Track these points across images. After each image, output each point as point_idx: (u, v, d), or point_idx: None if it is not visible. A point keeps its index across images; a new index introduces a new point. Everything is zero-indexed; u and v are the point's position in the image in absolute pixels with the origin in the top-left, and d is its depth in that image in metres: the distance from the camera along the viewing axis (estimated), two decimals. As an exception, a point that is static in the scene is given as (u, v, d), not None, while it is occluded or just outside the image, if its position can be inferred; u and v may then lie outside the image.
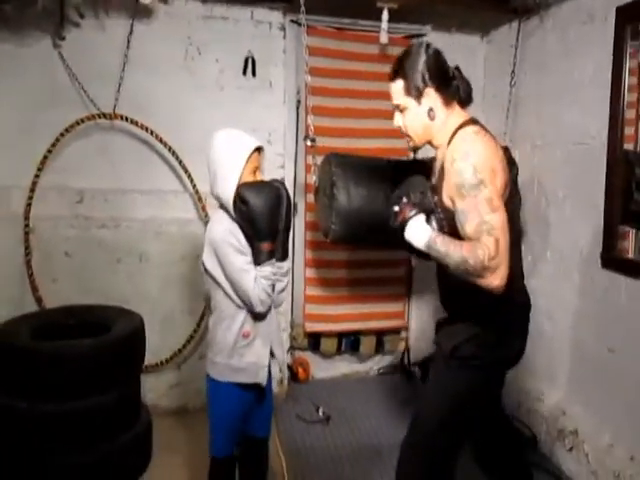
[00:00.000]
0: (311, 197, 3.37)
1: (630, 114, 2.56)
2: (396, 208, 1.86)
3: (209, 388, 2.13)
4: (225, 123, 3.24)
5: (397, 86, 1.87)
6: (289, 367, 3.82)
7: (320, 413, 3.42)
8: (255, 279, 1.96)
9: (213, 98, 3.41)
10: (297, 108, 3.62)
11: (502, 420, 2.28)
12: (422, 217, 1.81)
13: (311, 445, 3.13)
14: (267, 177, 3.50)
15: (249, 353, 2.06)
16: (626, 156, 2.50)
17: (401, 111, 1.90)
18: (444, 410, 1.91)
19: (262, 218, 1.94)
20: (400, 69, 1.86)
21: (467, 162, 1.70)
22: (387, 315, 3.92)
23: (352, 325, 3.84)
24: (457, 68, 1.90)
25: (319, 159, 3.11)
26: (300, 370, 3.84)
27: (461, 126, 1.82)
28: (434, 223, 1.83)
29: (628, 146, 2.56)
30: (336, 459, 2.99)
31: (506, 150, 2.94)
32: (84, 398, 2.38)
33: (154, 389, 3.33)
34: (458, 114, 1.88)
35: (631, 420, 2.52)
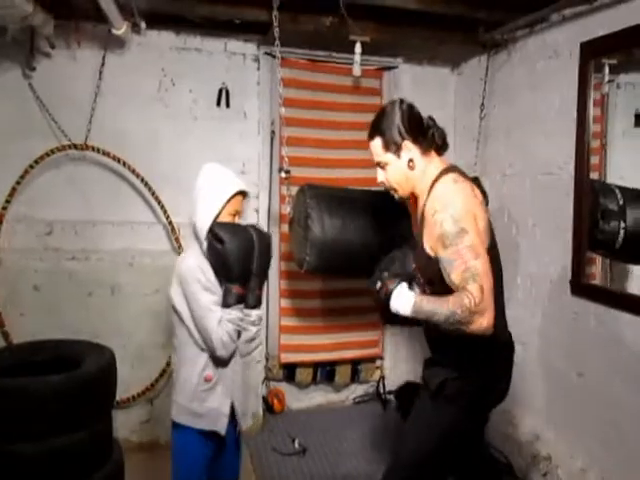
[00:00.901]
0: (286, 227, 3.37)
1: (595, 144, 2.64)
2: (378, 285, 1.89)
3: (172, 431, 2.05)
4: (199, 153, 3.34)
5: (376, 144, 1.95)
6: (264, 399, 3.76)
7: (296, 445, 3.36)
8: (220, 321, 1.90)
9: (187, 128, 3.41)
10: (271, 139, 3.63)
11: (481, 450, 2.28)
12: (404, 285, 1.85)
13: (287, 478, 3.07)
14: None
15: (210, 398, 1.99)
16: (592, 186, 2.56)
17: (382, 167, 1.97)
18: (428, 447, 1.91)
19: (235, 260, 1.89)
20: (377, 128, 1.95)
21: (447, 213, 1.76)
22: (362, 344, 3.91)
23: (327, 355, 3.82)
24: (431, 118, 1.99)
25: (293, 190, 3.13)
26: (275, 401, 3.78)
27: (440, 175, 1.89)
28: (416, 288, 1.89)
29: (594, 175, 2.63)
30: (313, 492, 2.93)
31: (476, 180, 3.00)
32: (53, 437, 2.29)
33: (125, 424, 3.25)
34: (436, 162, 1.95)
35: (602, 444, 2.55)
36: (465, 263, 1.70)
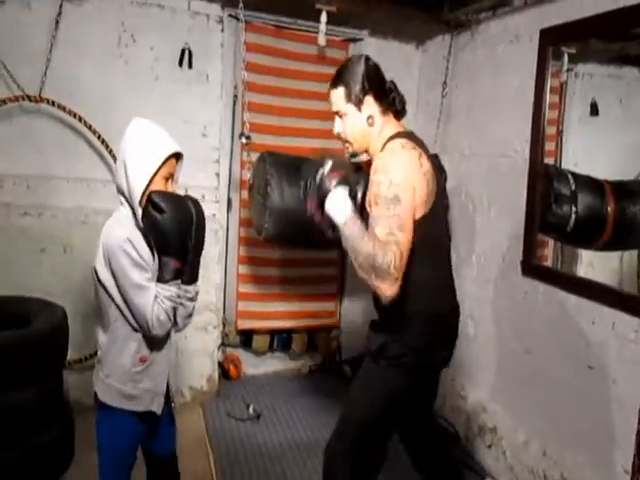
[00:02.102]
0: (246, 193, 3.36)
1: (551, 130, 2.72)
2: (320, 172, 1.85)
3: (98, 414, 1.88)
4: (158, 113, 3.23)
5: (338, 93, 1.96)
6: (220, 364, 3.77)
7: (251, 411, 3.40)
8: (155, 298, 1.73)
9: (146, 87, 3.32)
10: (234, 103, 3.58)
11: (431, 419, 2.36)
12: (346, 189, 1.87)
13: (241, 443, 3.11)
14: (202, 173, 3.50)
15: (145, 379, 1.83)
16: (546, 170, 2.65)
17: (340, 117, 1.99)
18: (371, 409, 1.96)
19: (175, 232, 1.72)
20: (341, 77, 1.97)
21: (386, 176, 1.79)
22: (319, 314, 3.96)
23: (284, 323, 3.85)
24: (392, 82, 2.03)
25: (254, 156, 3.11)
26: (231, 367, 3.81)
27: (392, 137, 1.93)
28: (353, 204, 1.87)
29: (549, 160, 2.72)
30: (266, 457, 2.99)
31: (435, 157, 3.06)
32: (1, 394, 2.26)
33: (77, 386, 3.15)
34: (393, 125, 1.99)
35: (544, 417, 2.68)
36: (390, 228, 1.74)
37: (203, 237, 1.84)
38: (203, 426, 3.24)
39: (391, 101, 1.98)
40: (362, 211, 1.92)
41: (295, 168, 3.00)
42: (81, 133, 3.20)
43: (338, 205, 1.83)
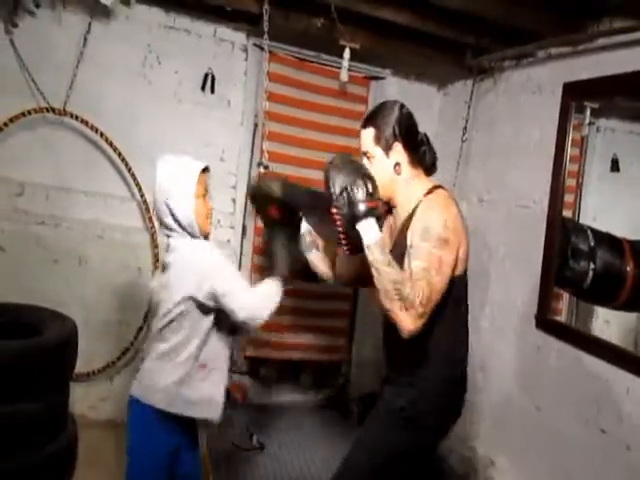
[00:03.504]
0: (260, 221, 3.35)
1: (570, 183, 2.74)
2: (360, 192, 1.70)
3: (141, 419, 1.93)
4: (179, 135, 3.28)
5: (368, 134, 1.92)
6: (227, 390, 3.71)
7: (254, 441, 3.34)
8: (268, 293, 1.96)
9: (168, 109, 3.35)
10: (254, 131, 3.60)
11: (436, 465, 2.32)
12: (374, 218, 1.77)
13: (243, 473, 3.06)
14: (219, 197, 3.52)
15: (204, 386, 1.94)
16: (565, 223, 2.66)
17: (368, 159, 1.93)
18: (375, 461, 1.91)
19: None
20: (373, 119, 1.92)
21: (441, 215, 1.75)
22: (328, 348, 3.93)
23: (293, 354, 3.82)
24: (426, 135, 1.97)
25: (271, 185, 3.11)
26: (237, 394, 3.73)
27: (434, 188, 1.89)
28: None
29: (567, 213, 2.72)
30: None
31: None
32: (6, 403, 2.23)
33: (83, 399, 3.17)
34: (424, 179, 1.94)
35: (554, 477, 2.62)
36: (429, 265, 1.68)
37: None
38: (206, 452, 3.17)
39: (422, 154, 1.92)
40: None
41: (312, 200, 2.99)
42: (102, 149, 3.22)
43: (368, 228, 1.71)
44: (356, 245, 1.74)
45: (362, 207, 1.69)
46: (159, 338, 1.96)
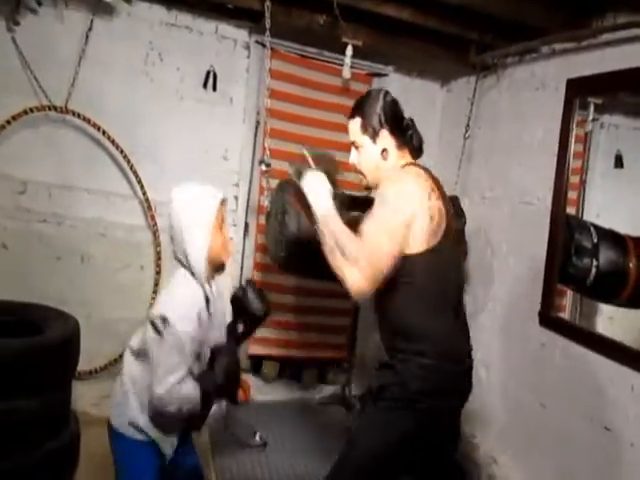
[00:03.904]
0: (263, 219, 3.35)
1: (574, 180, 2.73)
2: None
3: (120, 445, 1.91)
4: (181, 133, 3.28)
5: (355, 124, 1.96)
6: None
7: (257, 438, 3.32)
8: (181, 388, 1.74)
9: (171, 106, 3.35)
10: (256, 129, 3.59)
11: (451, 466, 2.27)
12: (324, 177, 1.91)
13: (245, 471, 3.05)
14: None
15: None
16: (568, 220, 2.65)
17: (357, 148, 1.98)
18: (369, 451, 1.90)
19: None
20: (359, 108, 1.97)
21: (393, 186, 1.83)
22: (331, 346, 3.93)
23: (295, 352, 3.82)
24: (411, 120, 2.00)
25: (273, 183, 3.11)
26: (240, 391, 3.73)
27: (405, 165, 1.94)
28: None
29: (571, 209, 2.72)
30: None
31: (455, 200, 3.04)
32: (8, 401, 2.21)
33: (85, 397, 3.15)
34: (408, 159, 1.97)
35: (556, 475, 2.62)
36: (374, 227, 1.76)
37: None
38: (209, 449, 3.18)
39: (408, 138, 1.96)
40: None
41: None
42: (104, 146, 3.22)
43: (318, 191, 1.88)
44: None
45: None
46: (133, 357, 1.94)
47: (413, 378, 1.85)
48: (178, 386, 1.72)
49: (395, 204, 1.77)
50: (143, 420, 1.83)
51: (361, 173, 2.01)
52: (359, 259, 1.73)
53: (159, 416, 1.80)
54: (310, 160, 1.98)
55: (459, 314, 2.01)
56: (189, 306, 1.76)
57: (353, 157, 2.00)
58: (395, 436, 1.88)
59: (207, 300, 1.83)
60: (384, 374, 1.92)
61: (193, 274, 1.81)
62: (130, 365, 1.91)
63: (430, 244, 1.82)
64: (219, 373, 1.83)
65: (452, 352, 1.96)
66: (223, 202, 1.88)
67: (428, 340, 1.86)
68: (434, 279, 1.88)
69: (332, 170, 2.01)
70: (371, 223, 1.78)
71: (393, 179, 1.86)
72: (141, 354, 1.88)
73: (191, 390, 1.75)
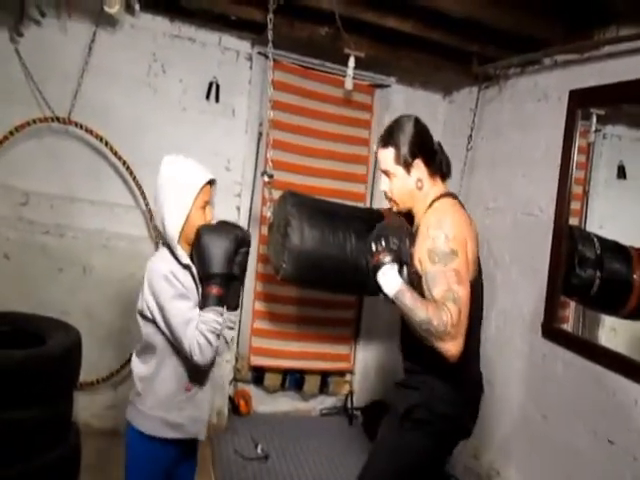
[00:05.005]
0: (265, 229, 3.34)
1: (577, 190, 2.73)
2: (374, 247, 1.90)
3: (135, 443, 1.91)
4: (184, 144, 3.28)
5: (388, 153, 1.95)
6: (230, 399, 3.72)
7: (259, 450, 3.32)
8: (196, 325, 1.77)
9: (173, 117, 3.35)
10: (258, 140, 3.60)
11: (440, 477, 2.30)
12: (395, 267, 1.86)
13: None
14: (223, 205, 3.52)
15: (190, 407, 1.89)
16: (571, 232, 2.64)
17: (388, 176, 1.98)
18: (392, 469, 1.91)
19: (215, 259, 1.79)
20: (392, 138, 1.95)
21: (441, 230, 1.79)
22: (333, 356, 3.91)
23: (297, 363, 3.81)
24: (439, 144, 2.02)
25: (275, 194, 3.10)
26: (242, 403, 3.75)
27: (441, 196, 1.93)
28: (405, 275, 1.88)
29: (574, 220, 2.71)
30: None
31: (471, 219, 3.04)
32: (10, 411, 2.22)
33: (87, 408, 3.18)
34: (440, 186, 1.99)
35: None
36: (448, 284, 1.72)
37: (244, 266, 1.93)
38: (210, 461, 3.17)
39: (438, 164, 1.97)
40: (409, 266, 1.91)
41: (316, 210, 2.98)
42: (107, 158, 3.23)
43: (387, 280, 1.84)
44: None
45: (373, 260, 1.88)
46: (138, 360, 1.94)
47: (440, 401, 1.88)
48: (201, 326, 1.76)
49: (452, 250, 1.76)
50: (167, 413, 1.86)
51: (392, 200, 2.01)
52: (447, 330, 1.69)
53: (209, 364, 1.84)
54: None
55: (480, 335, 2.04)
56: (165, 270, 1.80)
57: (385, 185, 2.00)
58: (418, 457, 1.93)
59: (189, 268, 1.85)
60: (410, 395, 1.93)
61: (171, 251, 1.84)
62: (136, 367, 1.94)
63: (474, 269, 1.87)
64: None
65: (476, 377, 2.03)
66: (212, 183, 1.91)
67: (463, 362, 1.85)
68: (477, 305, 1.91)
69: (403, 237, 1.98)
70: (443, 283, 1.73)
71: (436, 221, 1.83)
72: (143, 351, 1.91)
73: (212, 317, 1.78)
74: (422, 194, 1.95)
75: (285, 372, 3.84)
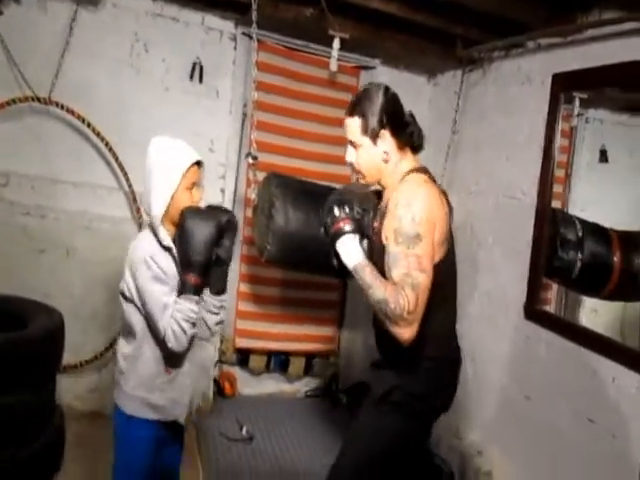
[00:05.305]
0: (250, 211, 3.34)
1: (560, 173, 2.74)
2: (336, 212, 1.85)
3: (120, 424, 1.93)
4: (167, 124, 3.25)
5: (354, 123, 1.87)
6: (215, 381, 3.73)
7: (244, 432, 3.33)
8: (171, 313, 1.77)
9: (156, 97, 3.32)
10: (243, 121, 3.56)
11: (424, 456, 2.33)
12: (357, 237, 1.83)
13: (232, 464, 3.05)
14: (207, 187, 3.49)
15: (171, 389, 1.91)
16: (553, 214, 2.66)
17: (354, 147, 1.90)
18: (369, 453, 1.92)
19: (195, 246, 1.77)
20: (358, 107, 1.87)
21: (409, 211, 1.73)
22: (318, 338, 3.92)
23: (282, 345, 3.81)
24: (411, 114, 1.94)
25: (260, 175, 3.10)
26: (227, 385, 3.75)
27: (410, 171, 1.87)
28: (365, 248, 1.85)
29: (556, 203, 2.73)
30: (255, 480, 2.93)
31: (444, 195, 3.05)
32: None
33: (71, 391, 3.17)
34: (410, 160, 1.92)
35: (541, 467, 2.64)
36: (408, 268, 1.69)
37: (231, 250, 1.90)
38: (195, 443, 3.19)
39: (409, 135, 1.89)
40: (372, 241, 1.89)
41: (301, 191, 2.98)
42: (89, 138, 3.19)
43: (347, 251, 1.81)
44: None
45: (334, 227, 1.84)
46: (122, 339, 1.95)
47: (417, 382, 1.88)
48: (176, 314, 1.77)
49: (417, 234, 1.71)
50: (149, 393, 1.87)
51: (358, 172, 1.94)
52: (403, 315, 1.66)
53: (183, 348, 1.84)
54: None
55: (456, 311, 2.03)
56: (145, 252, 1.80)
57: (350, 156, 1.92)
58: (398, 438, 1.93)
59: (170, 250, 1.85)
60: (385, 377, 1.93)
61: (154, 232, 1.84)
62: (121, 347, 1.95)
63: (445, 248, 1.83)
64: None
65: (452, 354, 2.02)
66: (199, 165, 1.90)
67: (438, 341, 1.88)
68: (450, 282, 1.90)
69: (369, 206, 1.96)
70: (403, 266, 1.69)
71: (405, 199, 1.76)
72: (126, 331, 1.92)
73: (187, 306, 1.79)
74: (390, 167, 1.88)
75: (270, 354, 3.85)
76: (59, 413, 2.59)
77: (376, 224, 1.89)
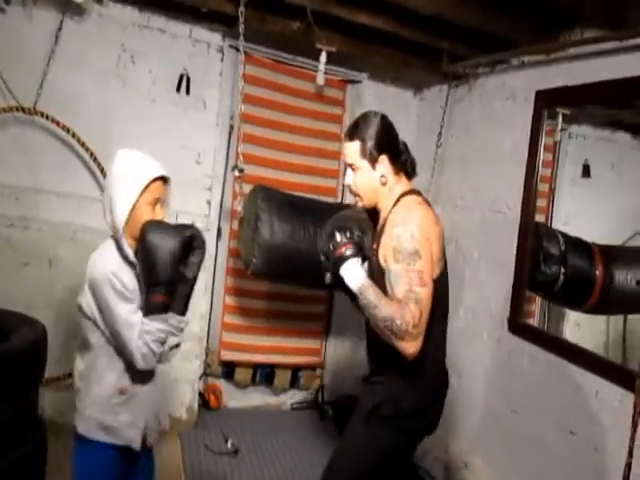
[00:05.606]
0: (236, 224, 3.34)
1: (543, 188, 2.78)
2: (338, 238, 1.89)
3: (76, 448, 1.83)
4: (154, 136, 3.24)
5: (354, 147, 1.94)
6: (201, 394, 3.70)
7: (229, 445, 3.31)
8: (139, 335, 1.69)
9: (143, 109, 3.29)
10: (229, 133, 3.57)
11: (409, 469, 2.33)
12: (359, 260, 1.87)
13: (217, 477, 3.03)
14: (194, 199, 3.46)
15: (125, 411, 1.79)
16: (537, 228, 2.70)
17: (353, 170, 1.97)
18: (358, 467, 1.93)
19: (158, 265, 1.67)
20: (358, 132, 1.94)
21: (407, 229, 1.79)
22: (303, 351, 3.92)
23: (268, 357, 3.80)
24: (404, 143, 2.03)
25: (246, 188, 3.10)
26: (212, 398, 3.73)
27: (405, 193, 1.94)
28: (366, 270, 1.89)
29: (540, 217, 2.76)
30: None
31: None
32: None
33: (53, 404, 3.09)
34: (404, 183, 1.99)
35: (527, 478, 2.64)
36: (410, 285, 1.74)
37: (197, 269, 1.78)
38: (180, 457, 3.15)
39: (403, 162, 1.98)
40: (371, 262, 1.92)
41: (287, 204, 2.99)
42: (74, 149, 3.15)
43: (351, 274, 1.84)
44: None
45: (336, 252, 1.87)
46: (77, 355, 1.86)
47: (405, 397, 1.90)
48: (145, 337, 1.69)
49: (416, 250, 1.76)
50: (102, 414, 1.78)
51: (357, 195, 2.00)
52: (408, 330, 1.70)
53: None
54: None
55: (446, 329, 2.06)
56: (107, 268, 1.73)
57: (349, 179, 1.99)
58: (384, 454, 1.94)
59: (134, 265, 1.76)
60: (375, 391, 1.95)
61: (118, 245, 1.78)
62: (77, 365, 1.87)
63: (440, 265, 1.89)
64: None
65: (441, 372, 2.05)
66: (165, 181, 1.82)
67: (430, 358, 1.89)
68: (444, 300, 1.95)
69: (365, 229, 1.99)
70: (405, 283, 1.74)
71: (402, 218, 1.83)
72: (82, 346, 1.84)
73: (155, 326, 1.71)
74: (386, 190, 1.95)
75: (256, 366, 3.83)
76: (41, 426, 2.55)
77: (374, 245, 1.94)
